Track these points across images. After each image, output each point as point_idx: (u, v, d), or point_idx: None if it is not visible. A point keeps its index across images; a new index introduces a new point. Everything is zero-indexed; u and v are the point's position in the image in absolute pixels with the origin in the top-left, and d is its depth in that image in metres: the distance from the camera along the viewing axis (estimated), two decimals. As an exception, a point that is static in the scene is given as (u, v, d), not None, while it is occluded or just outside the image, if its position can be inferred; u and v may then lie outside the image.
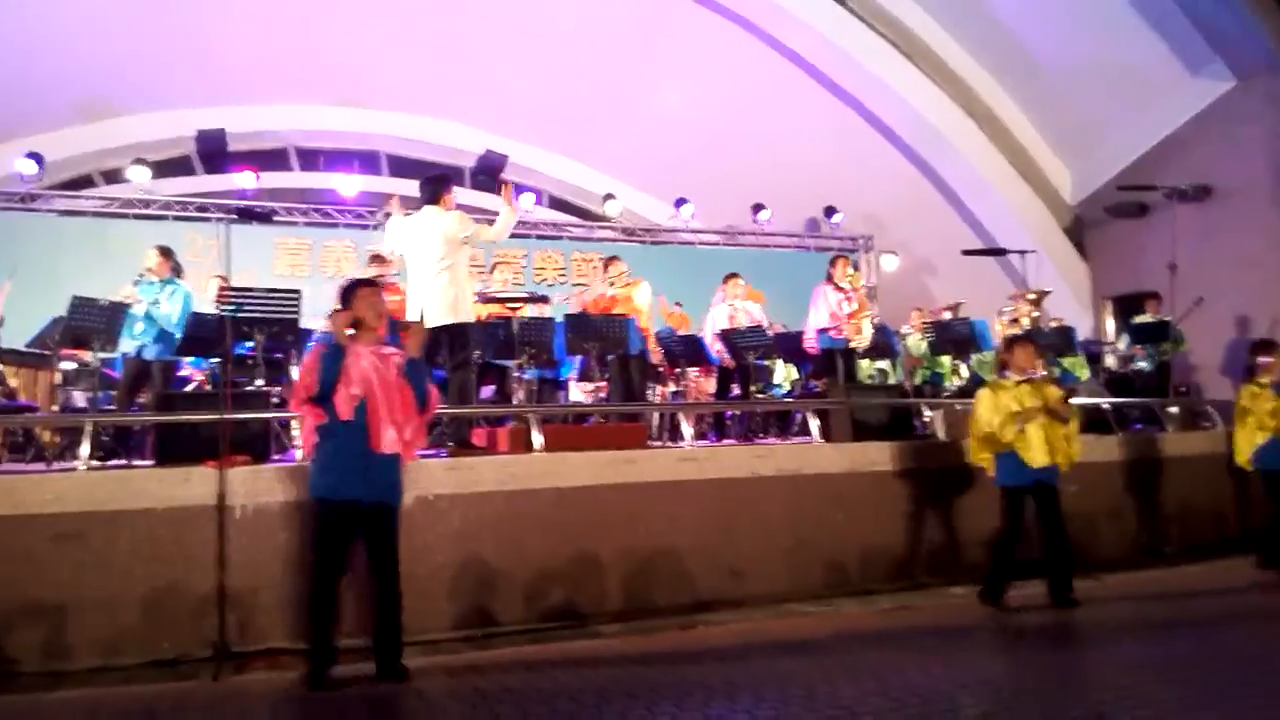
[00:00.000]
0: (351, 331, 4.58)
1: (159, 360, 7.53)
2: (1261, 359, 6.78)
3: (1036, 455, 5.76)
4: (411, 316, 6.74)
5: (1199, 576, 6.97)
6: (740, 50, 13.41)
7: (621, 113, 14.75)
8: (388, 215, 7.50)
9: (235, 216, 6.95)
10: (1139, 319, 11.13)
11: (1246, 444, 6.77)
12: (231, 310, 6.76)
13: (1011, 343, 6.16)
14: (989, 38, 13.12)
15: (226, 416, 5.42)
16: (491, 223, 7.24)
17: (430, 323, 6.58)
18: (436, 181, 7.19)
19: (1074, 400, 7.53)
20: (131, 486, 5.22)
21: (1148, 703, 3.84)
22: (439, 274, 6.67)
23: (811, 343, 9.11)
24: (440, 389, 7.20)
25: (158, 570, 5.10)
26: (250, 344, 7.16)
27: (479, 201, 13.77)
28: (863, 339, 8.95)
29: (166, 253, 7.84)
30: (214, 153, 13.09)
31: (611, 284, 9.10)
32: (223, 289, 7.54)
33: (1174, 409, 9.04)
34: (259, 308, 7.12)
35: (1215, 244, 11.52)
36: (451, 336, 6.70)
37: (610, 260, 9.37)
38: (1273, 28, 11.36)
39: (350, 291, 4.77)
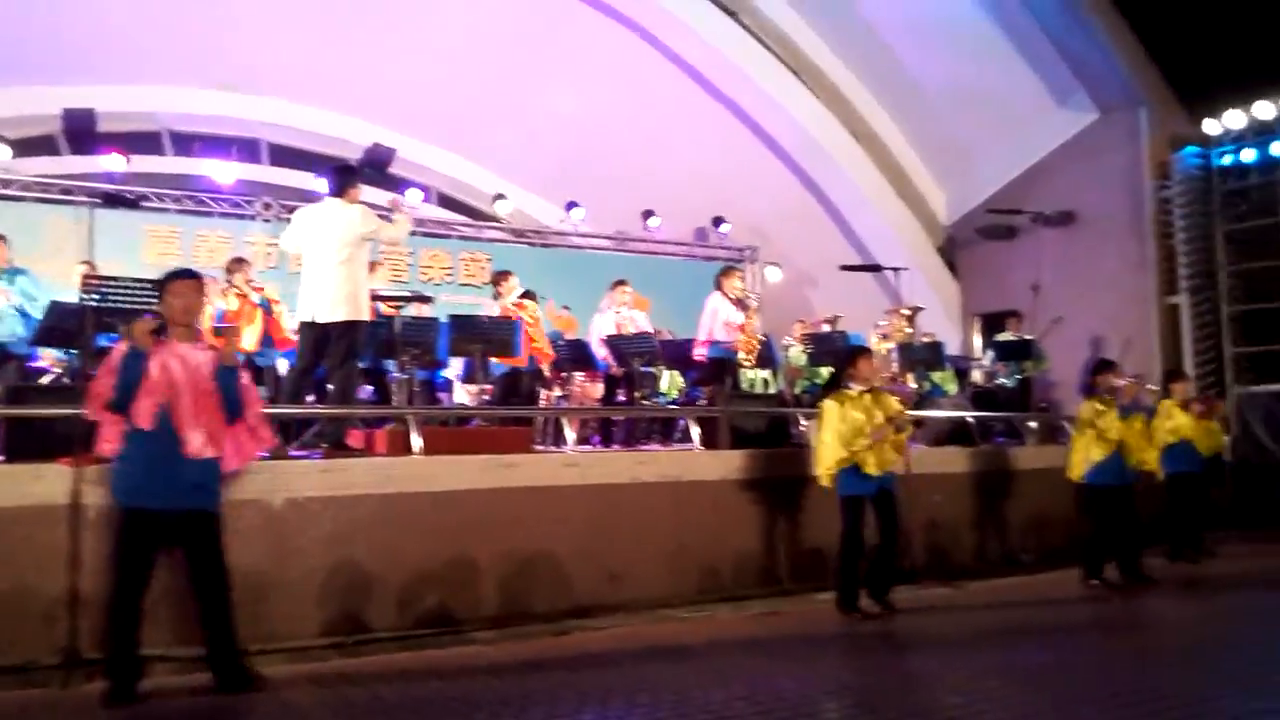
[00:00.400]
0: (154, 331, 4.29)
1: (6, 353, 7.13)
2: (1113, 380, 7.14)
3: (876, 464, 5.98)
4: (303, 310, 6.59)
5: (1052, 584, 7.34)
6: (635, 57, 13.51)
7: (514, 113, 14.64)
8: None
9: (101, 201, 6.61)
10: (1001, 336, 11.69)
11: (1081, 458, 7.02)
12: (95, 300, 6.44)
13: (854, 354, 6.35)
14: (875, 60, 13.58)
15: (84, 412, 5.15)
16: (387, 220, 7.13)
17: (323, 318, 6.46)
18: (343, 173, 7.04)
19: (939, 413, 7.87)
20: (-22, 484, 4.93)
21: (998, 706, 4.04)
22: (336, 268, 6.48)
23: (701, 352, 9.26)
24: (319, 387, 7.07)
25: (4, 572, 4.83)
26: (114, 336, 6.83)
27: (365, 196, 13.45)
28: (752, 357, 9.17)
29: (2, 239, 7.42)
30: (81, 133, 12.43)
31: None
32: (86, 277, 7.18)
33: (1034, 424, 9.53)
34: (125, 298, 6.79)
35: (1076, 267, 12.19)
36: (342, 334, 6.52)
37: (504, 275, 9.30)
38: (1132, 64, 12.12)
39: (163, 284, 4.53)
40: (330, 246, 6.51)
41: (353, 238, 6.56)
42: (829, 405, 6.08)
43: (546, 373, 9.53)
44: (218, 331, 4.58)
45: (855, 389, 6.11)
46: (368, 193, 13.50)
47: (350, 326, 6.52)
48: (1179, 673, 4.67)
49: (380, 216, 7.09)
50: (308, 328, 6.54)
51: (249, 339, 8.35)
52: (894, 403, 6.17)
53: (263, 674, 4.47)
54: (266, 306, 8.72)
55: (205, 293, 4.71)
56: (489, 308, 9.70)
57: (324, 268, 6.49)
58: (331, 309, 6.43)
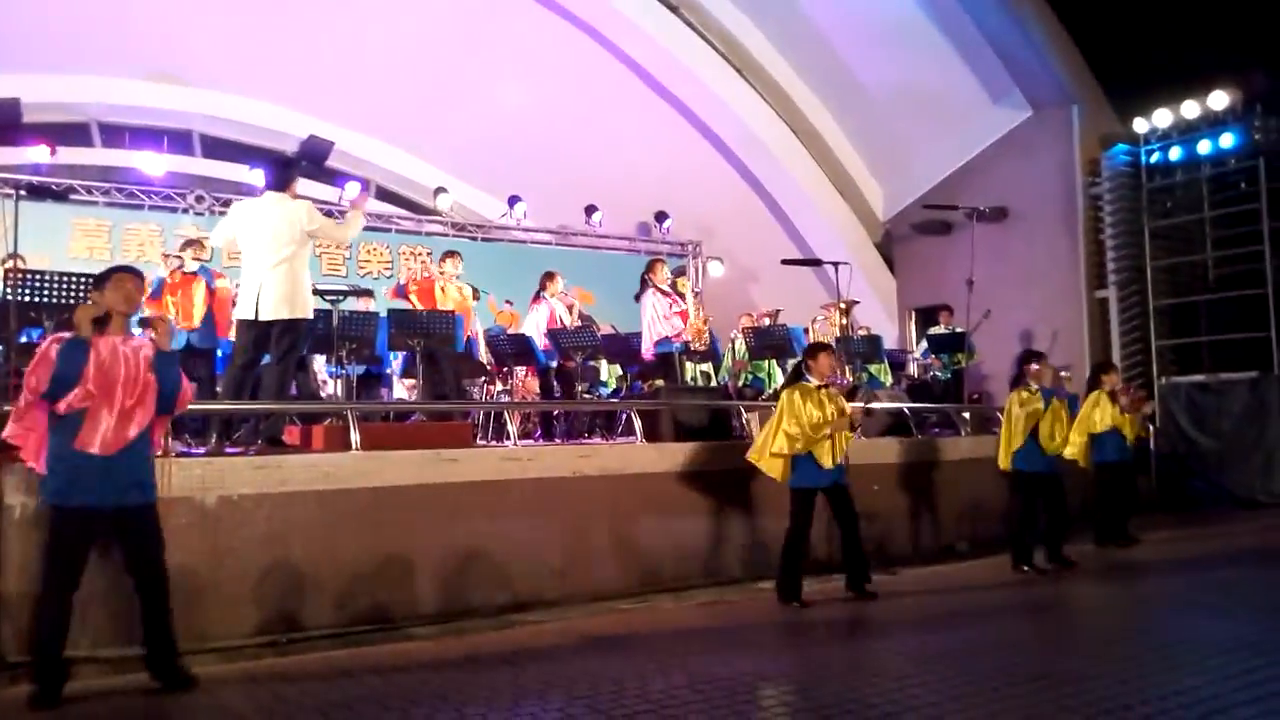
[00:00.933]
0: (97, 320, 4.22)
1: None
2: (1032, 366, 7.34)
3: (829, 457, 6.10)
4: (242, 307, 6.42)
5: (985, 571, 7.51)
6: (578, 52, 13.49)
7: (456, 106, 14.52)
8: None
9: (25, 193, 6.41)
10: (934, 330, 11.90)
11: (1008, 448, 7.23)
12: (19, 294, 6.26)
13: (816, 350, 6.46)
14: (816, 58, 13.73)
15: (8, 408, 5.01)
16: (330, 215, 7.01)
17: (264, 315, 6.27)
18: (282, 166, 6.86)
19: (877, 405, 7.99)
20: (-107, 485, 4.76)
21: (930, 690, 4.13)
22: (278, 265, 6.28)
23: (649, 351, 9.31)
24: (254, 383, 6.93)
25: (-78, 575, 4.68)
26: (40, 330, 6.65)
27: (303, 189, 13.24)
28: (701, 340, 9.25)
29: None
30: (6, 123, 12.02)
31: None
32: (9, 270, 6.96)
33: (967, 415, 9.73)
34: (51, 292, 6.60)
35: (1008, 261, 12.46)
36: (283, 332, 6.35)
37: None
38: (1064, 64, 12.41)
39: (104, 277, 4.43)
40: (271, 243, 6.31)
41: (296, 234, 6.37)
42: (790, 397, 6.17)
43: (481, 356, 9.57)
44: (144, 322, 4.46)
45: (813, 382, 6.20)
46: (307, 187, 13.40)
47: (291, 325, 6.36)
48: (1104, 653, 4.81)
49: (327, 214, 6.97)
50: (248, 325, 6.37)
51: (191, 313, 8.20)
52: (842, 400, 6.30)
53: (195, 674, 4.40)
54: (208, 275, 8.55)
55: (144, 289, 4.61)
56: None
57: (263, 264, 6.30)
58: (273, 308, 6.26)
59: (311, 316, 6.67)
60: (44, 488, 4.28)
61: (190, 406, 4.92)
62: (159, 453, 4.74)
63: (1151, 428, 10.57)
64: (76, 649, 4.43)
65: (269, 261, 6.31)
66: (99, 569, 4.57)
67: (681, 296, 9.29)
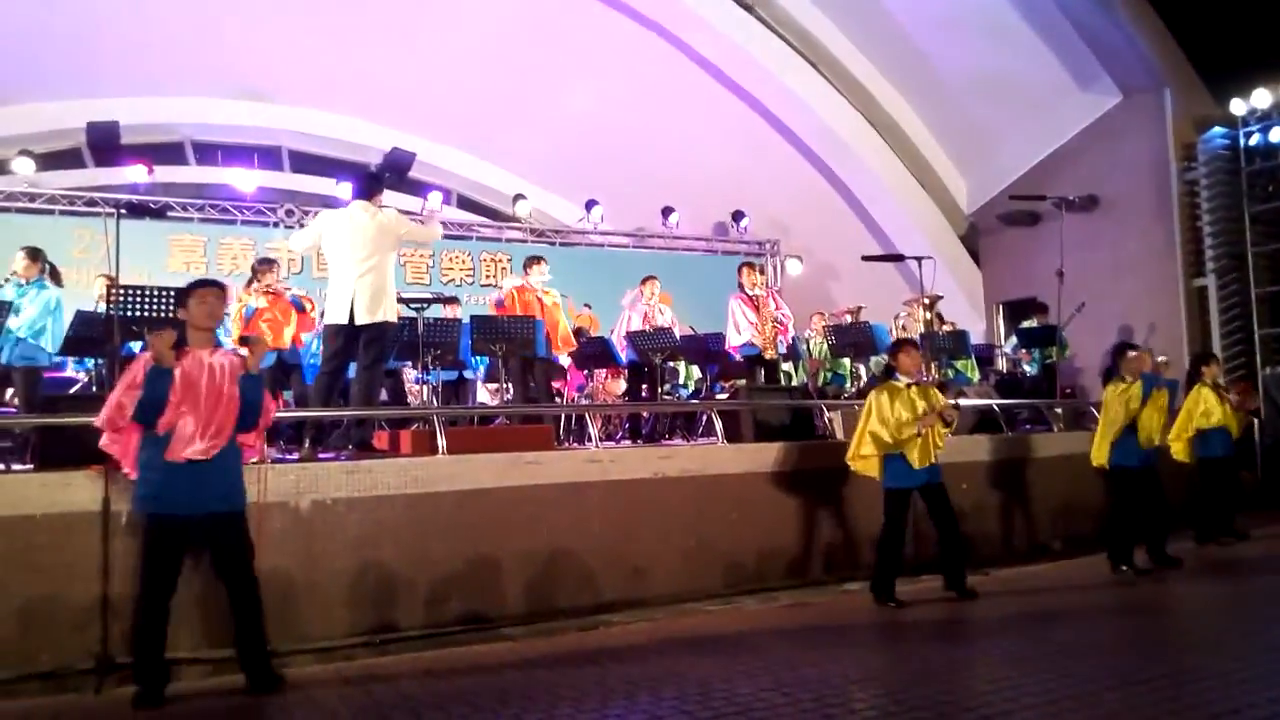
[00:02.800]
0: (174, 345, 4.36)
1: (17, 366, 7.22)
2: (1130, 354, 7.03)
3: (921, 456, 5.98)
4: (332, 312, 6.65)
5: (1080, 570, 7.27)
6: (650, 53, 13.50)
7: (531, 113, 14.69)
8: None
9: (125, 211, 6.69)
10: (1026, 324, 11.58)
11: (1104, 442, 6.92)
12: (119, 309, 6.52)
13: (898, 347, 6.35)
14: (892, 48, 13.49)
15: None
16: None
17: (354, 320, 6.51)
18: (369, 177, 7.16)
19: (965, 402, 7.82)
20: (9, 492, 4.99)
21: (1025, 693, 4.01)
22: (365, 272, 6.55)
23: (736, 356, 9.34)
24: (343, 392, 7.12)
25: (36, 579, 4.88)
26: (140, 344, 6.92)
27: (388, 199, 13.54)
28: (772, 351, 9.21)
29: (35, 255, 7.50)
30: (105, 145, 12.55)
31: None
32: (109, 287, 7.27)
33: (1059, 410, 9.44)
34: (149, 307, 6.87)
35: (1099, 252, 12.07)
36: (371, 337, 6.58)
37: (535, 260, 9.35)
38: (1155, 47, 11.96)
39: (187, 292, 4.57)
40: (358, 251, 6.57)
41: (382, 241, 6.62)
42: (874, 395, 6.11)
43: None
44: (244, 340, 4.59)
45: (903, 381, 6.11)
46: (390, 197, 13.70)
47: (379, 329, 6.59)
48: (1206, 657, 4.61)
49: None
50: (337, 331, 6.60)
51: (285, 336, 8.42)
52: (940, 397, 6.17)
53: (284, 675, 4.52)
54: (299, 304, 8.78)
55: (227, 300, 4.75)
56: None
57: (351, 272, 6.56)
58: (361, 313, 6.50)
59: (396, 321, 6.86)
60: (139, 498, 4.44)
61: (281, 414, 5.06)
62: (255, 459, 4.88)
63: (1256, 420, 10.12)
64: (177, 651, 4.59)
65: (356, 270, 6.55)
66: (194, 573, 4.74)
67: (763, 301, 9.26)
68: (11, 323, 7.13)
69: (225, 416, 4.40)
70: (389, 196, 13.49)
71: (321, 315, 7.57)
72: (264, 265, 8.86)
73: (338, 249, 6.67)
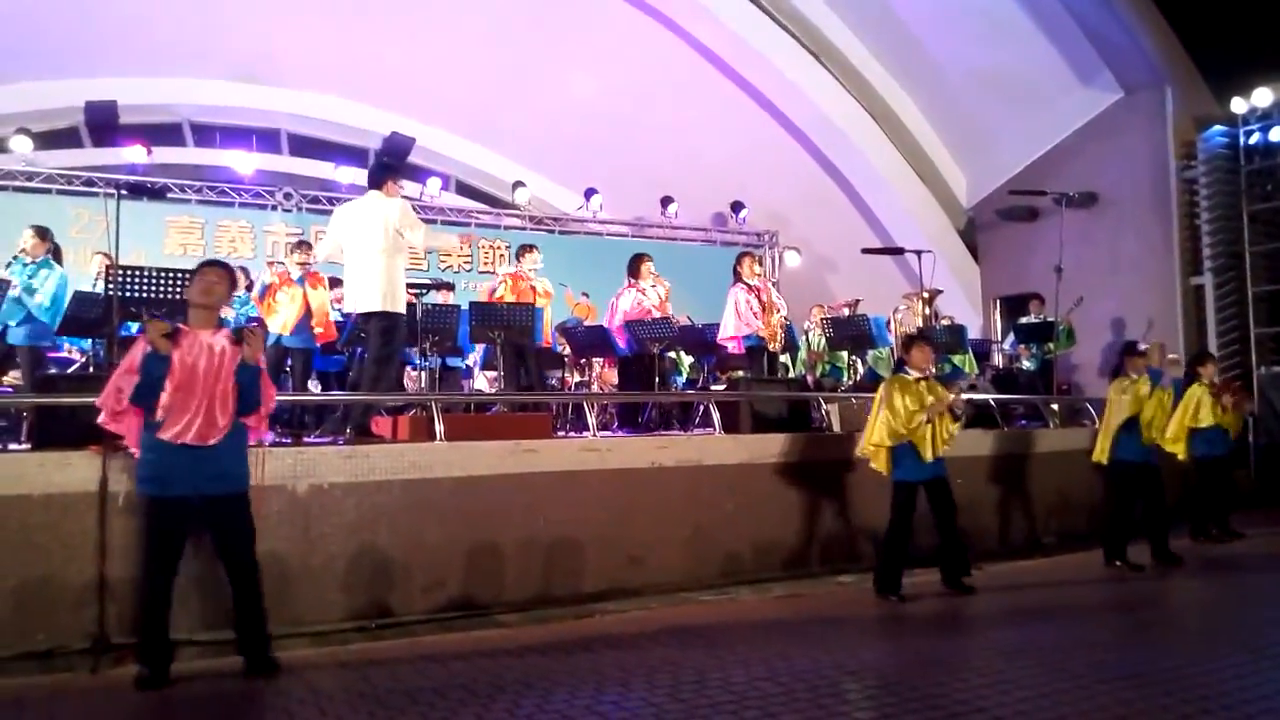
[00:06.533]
0: (168, 334, 4.33)
1: (26, 345, 7.22)
2: (1140, 346, 7.10)
3: (931, 449, 6.00)
4: (348, 301, 6.76)
5: (1074, 566, 7.31)
6: (651, 42, 13.47)
7: (532, 99, 14.65)
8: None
9: (124, 191, 6.67)
10: (1024, 319, 11.61)
11: (1106, 438, 7.01)
12: (118, 290, 6.50)
13: (910, 342, 6.38)
14: (894, 40, 13.47)
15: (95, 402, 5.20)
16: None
17: (362, 309, 6.65)
18: (383, 168, 7.20)
19: (974, 396, 7.81)
20: (6, 471, 4.98)
21: (1018, 687, 4.04)
22: (376, 261, 6.64)
23: (734, 344, 9.25)
24: (340, 377, 7.12)
25: (33, 558, 4.88)
26: (137, 325, 6.90)
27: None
28: (777, 343, 9.16)
29: (43, 233, 7.51)
30: (103, 125, 12.49)
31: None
32: (107, 267, 7.25)
33: (1055, 405, 9.47)
34: (148, 288, 6.85)
35: (1097, 248, 12.10)
36: (380, 326, 6.65)
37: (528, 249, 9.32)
38: (1157, 44, 11.96)
39: (195, 272, 4.59)
40: (371, 240, 6.66)
41: (393, 231, 6.71)
42: (886, 385, 6.15)
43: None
44: (238, 333, 4.55)
45: (912, 375, 6.13)
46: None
47: (389, 316, 6.66)
48: (1201, 652, 4.64)
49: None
50: (362, 318, 6.75)
51: (288, 317, 8.39)
52: (943, 390, 6.19)
53: (278, 659, 4.51)
54: (303, 282, 8.73)
55: (230, 282, 4.73)
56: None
57: (364, 260, 6.66)
58: (370, 301, 6.59)
59: (404, 311, 6.92)
60: (140, 480, 4.43)
61: (282, 398, 5.04)
62: (254, 443, 4.88)
63: (1250, 419, 10.16)
64: (177, 632, 4.59)
65: (368, 258, 6.65)
66: (195, 555, 4.73)
67: (764, 292, 9.17)
68: (30, 301, 7.14)
69: (224, 400, 4.39)
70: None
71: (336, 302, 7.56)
72: (298, 247, 8.92)
73: (352, 239, 6.78)
